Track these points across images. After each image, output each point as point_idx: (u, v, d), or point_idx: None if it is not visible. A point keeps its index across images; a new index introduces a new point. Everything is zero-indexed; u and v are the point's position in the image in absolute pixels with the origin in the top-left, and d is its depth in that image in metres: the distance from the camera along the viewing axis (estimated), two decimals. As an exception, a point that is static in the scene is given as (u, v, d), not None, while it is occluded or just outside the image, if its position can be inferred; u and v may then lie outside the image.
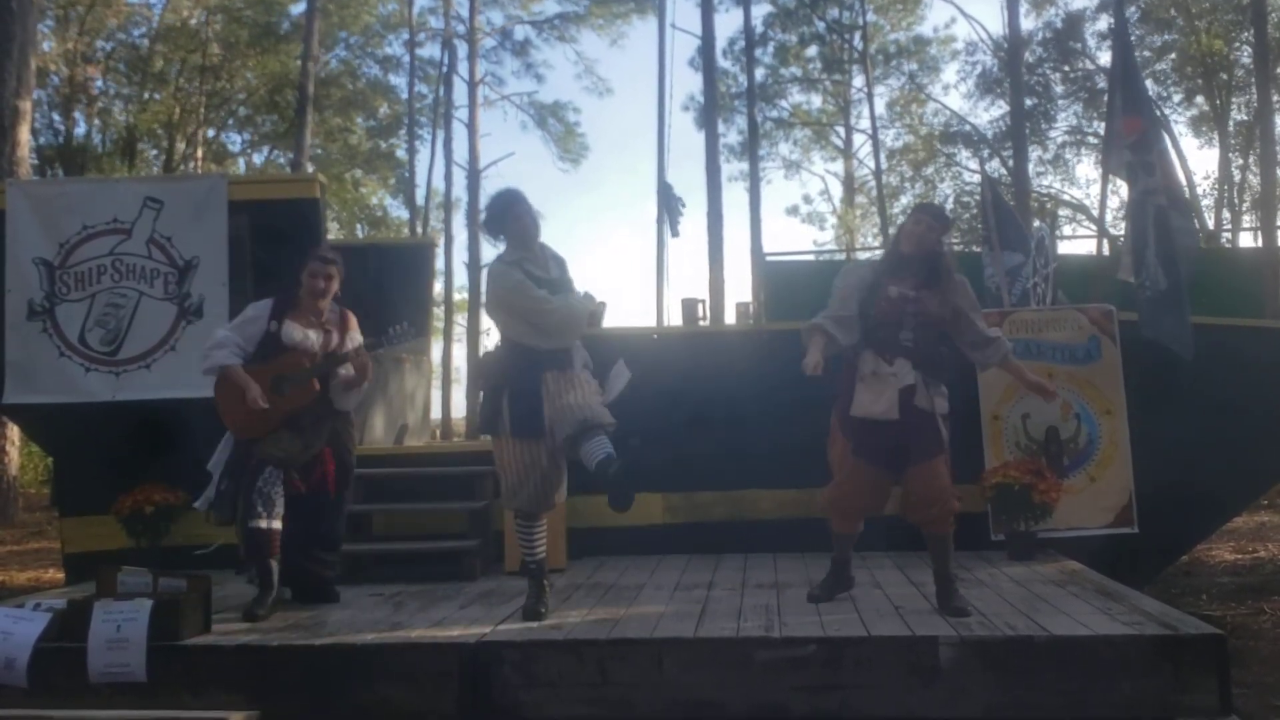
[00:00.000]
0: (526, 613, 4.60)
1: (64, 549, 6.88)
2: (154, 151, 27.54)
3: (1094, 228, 26.42)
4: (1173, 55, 25.47)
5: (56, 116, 25.40)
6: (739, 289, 35.42)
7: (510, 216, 4.71)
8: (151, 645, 4.10)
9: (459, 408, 28.33)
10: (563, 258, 4.91)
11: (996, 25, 50.31)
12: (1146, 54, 24.43)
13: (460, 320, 31.24)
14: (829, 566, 4.90)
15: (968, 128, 27.81)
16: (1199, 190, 26.10)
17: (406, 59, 28.91)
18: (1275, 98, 18.11)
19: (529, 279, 4.66)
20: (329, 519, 5.16)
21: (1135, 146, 6.51)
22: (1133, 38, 7.31)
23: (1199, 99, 25.97)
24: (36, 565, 10.17)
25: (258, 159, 30.19)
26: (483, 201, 28.73)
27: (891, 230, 29.31)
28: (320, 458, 5.04)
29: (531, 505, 4.70)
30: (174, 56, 26.47)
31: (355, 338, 5.15)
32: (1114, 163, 6.98)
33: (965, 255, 12.11)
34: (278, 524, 4.88)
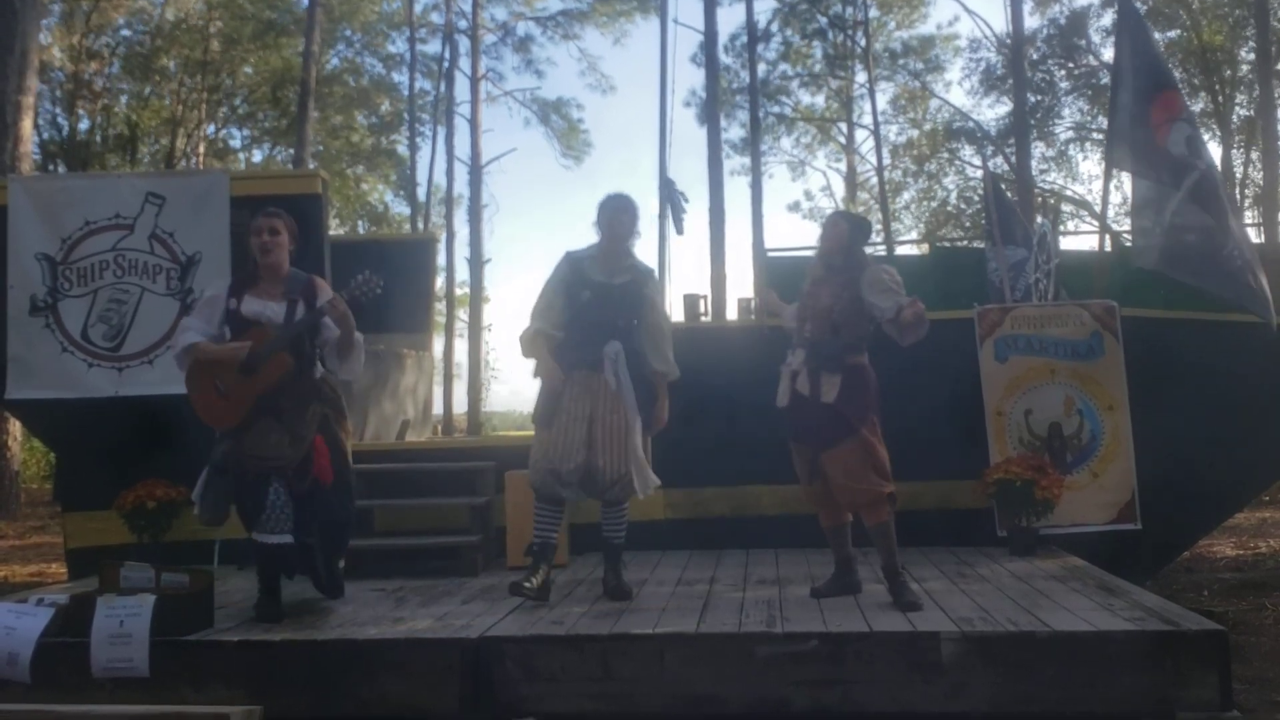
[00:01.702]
0: (511, 586, 4.73)
1: (66, 544, 6.89)
2: (154, 147, 27.54)
3: (1096, 223, 26.41)
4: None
5: (59, 112, 25.43)
6: (741, 285, 35.42)
7: (603, 220, 4.94)
8: (154, 640, 4.11)
9: (460, 403, 28.37)
10: (645, 271, 5.00)
11: (1000, 22, 50.29)
12: (1149, 50, 24.34)
13: (462, 316, 31.26)
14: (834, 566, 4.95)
15: (971, 124, 27.81)
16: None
17: (408, 55, 28.94)
18: (1277, 93, 18.08)
19: (577, 276, 4.92)
20: (333, 511, 4.69)
21: (1191, 119, 6.55)
22: (1134, 34, 7.30)
23: (1201, 95, 25.93)
24: (39, 560, 10.18)
25: (258, 155, 30.23)
26: (486, 197, 28.81)
27: (894, 225, 29.43)
28: (312, 451, 4.57)
29: (540, 489, 4.85)
30: (176, 53, 26.45)
31: (326, 296, 4.61)
32: (1117, 156, 6.98)
33: (969, 251, 12.10)
34: (289, 538, 4.53)
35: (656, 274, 5.06)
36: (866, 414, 4.66)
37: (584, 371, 4.83)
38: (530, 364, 4.99)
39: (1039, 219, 17.73)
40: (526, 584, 4.72)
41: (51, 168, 24.21)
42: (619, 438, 4.80)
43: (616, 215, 4.91)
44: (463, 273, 29.90)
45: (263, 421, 4.49)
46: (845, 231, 4.87)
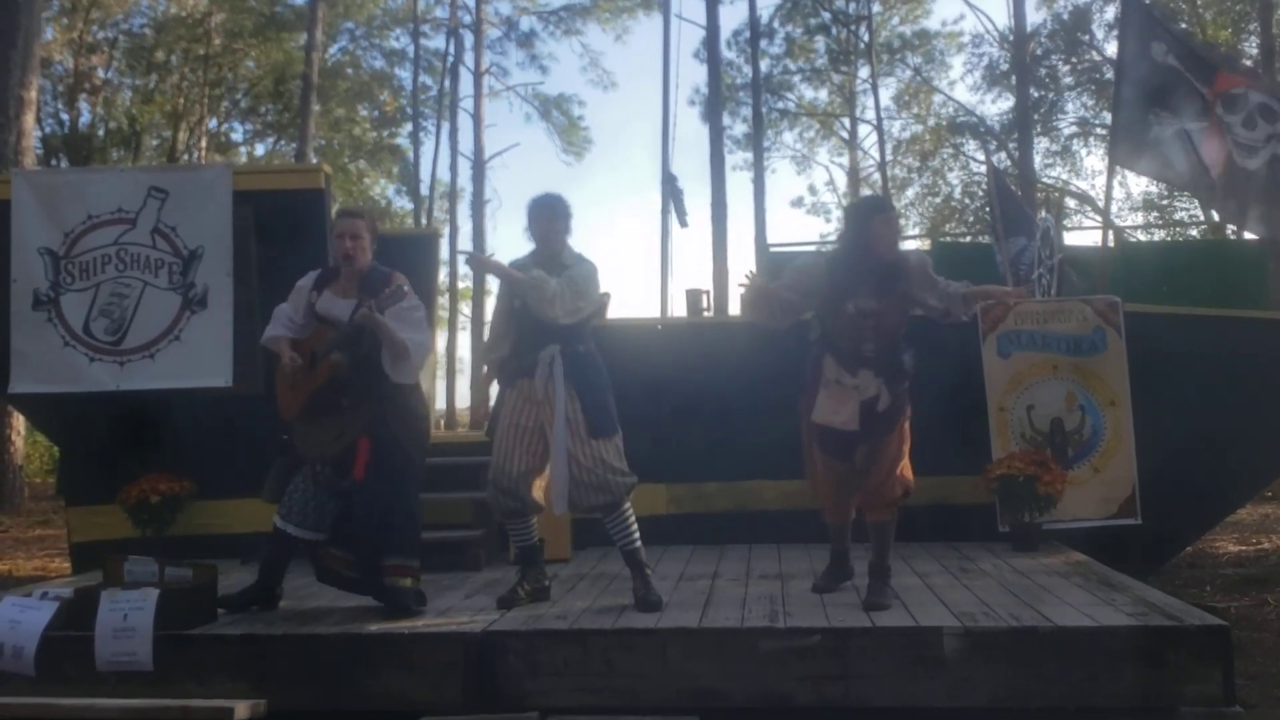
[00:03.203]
0: (500, 600, 4.65)
1: (70, 538, 6.91)
2: (156, 141, 27.54)
3: (1099, 219, 26.37)
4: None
5: (60, 106, 25.42)
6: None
7: (536, 230, 4.73)
8: (158, 634, 4.11)
9: (463, 398, 28.38)
10: (576, 260, 4.69)
11: (1003, 17, 50.12)
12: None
13: (465, 310, 31.27)
14: (829, 558, 4.92)
15: (974, 119, 27.77)
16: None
17: (411, 50, 28.95)
18: (1282, 89, 18.03)
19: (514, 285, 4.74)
20: (364, 507, 4.48)
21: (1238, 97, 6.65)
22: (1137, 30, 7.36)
23: (1205, 89, 25.85)
24: (43, 554, 10.20)
25: (260, 149, 30.23)
26: (489, 193, 28.82)
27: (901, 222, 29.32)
28: (354, 447, 4.49)
29: (490, 502, 4.80)
30: (176, 46, 26.44)
31: (401, 302, 4.53)
32: (1122, 152, 6.98)
33: (972, 246, 12.09)
34: (295, 530, 4.57)
35: (595, 264, 4.73)
36: (906, 405, 4.59)
37: (525, 380, 4.65)
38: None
39: (1042, 214, 17.71)
40: (520, 591, 4.68)
41: (54, 162, 24.19)
42: (573, 451, 4.54)
43: (550, 225, 4.67)
44: (465, 267, 29.95)
45: (317, 417, 4.53)
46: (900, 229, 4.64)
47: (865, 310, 4.43)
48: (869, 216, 4.53)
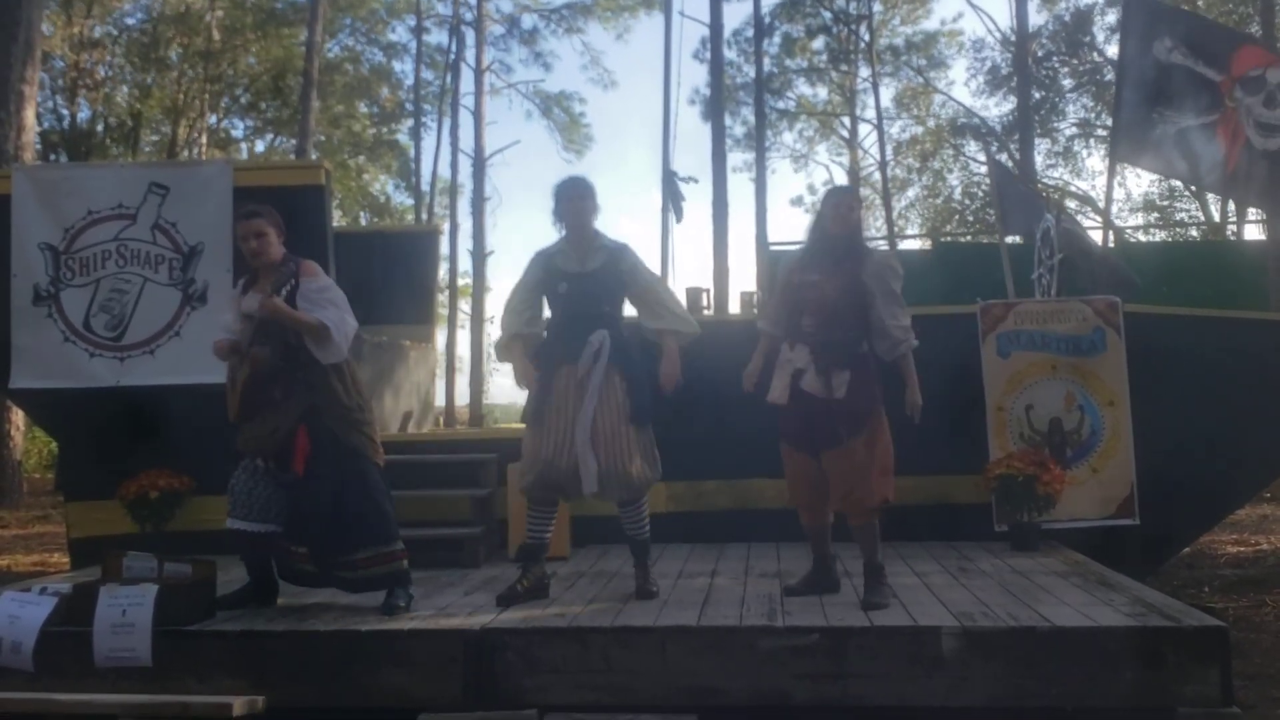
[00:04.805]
0: (500, 598, 4.65)
1: (69, 533, 6.91)
2: (155, 137, 27.52)
3: (1100, 219, 26.36)
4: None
5: (60, 101, 25.39)
6: (743, 278, 35.37)
7: (565, 211, 4.76)
8: (156, 630, 4.12)
9: (463, 395, 28.40)
10: (618, 247, 4.78)
11: (1004, 18, 50.11)
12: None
13: (465, 308, 31.28)
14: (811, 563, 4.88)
15: (975, 120, 27.78)
16: (1205, 181, 25.99)
17: (412, 45, 28.98)
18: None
19: (551, 272, 4.78)
20: (309, 504, 4.48)
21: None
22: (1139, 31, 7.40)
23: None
24: (41, 549, 10.20)
25: (260, 145, 30.21)
26: (489, 190, 28.78)
27: (898, 220, 29.38)
28: (293, 438, 4.50)
29: (532, 491, 4.76)
30: (178, 42, 26.42)
31: (309, 285, 4.56)
32: (1124, 150, 6.99)
33: (973, 246, 12.08)
34: (242, 525, 4.56)
35: (630, 245, 4.82)
36: (874, 405, 4.55)
37: (571, 366, 4.66)
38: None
39: (1044, 215, 17.70)
40: (519, 588, 4.68)
41: (53, 157, 24.18)
42: (614, 434, 4.61)
43: (578, 204, 4.72)
44: (465, 264, 29.98)
45: (256, 412, 4.56)
46: (859, 216, 4.64)
47: (807, 281, 4.55)
48: (827, 197, 4.77)
